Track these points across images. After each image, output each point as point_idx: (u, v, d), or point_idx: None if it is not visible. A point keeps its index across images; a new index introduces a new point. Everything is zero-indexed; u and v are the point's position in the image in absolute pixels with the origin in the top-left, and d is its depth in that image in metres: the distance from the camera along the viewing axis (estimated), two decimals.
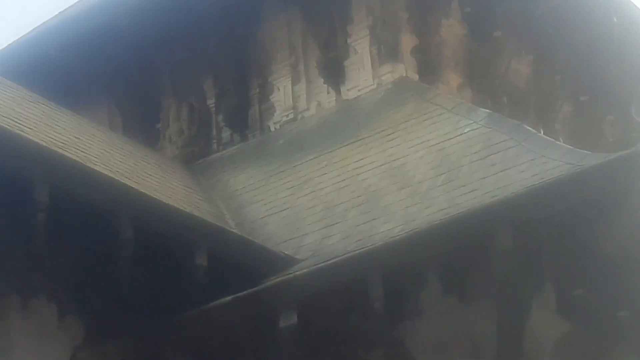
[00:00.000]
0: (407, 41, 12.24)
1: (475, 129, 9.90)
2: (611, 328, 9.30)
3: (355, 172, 10.32)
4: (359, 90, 12.14)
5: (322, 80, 12.42)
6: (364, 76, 12.16)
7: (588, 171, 7.84)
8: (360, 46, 12.27)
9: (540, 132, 9.72)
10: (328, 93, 12.36)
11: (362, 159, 10.52)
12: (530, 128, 9.65)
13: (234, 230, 9.49)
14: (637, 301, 8.71)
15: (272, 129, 12.54)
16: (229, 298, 8.54)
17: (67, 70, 13.09)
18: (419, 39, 12.38)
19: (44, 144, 8.14)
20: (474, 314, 8.99)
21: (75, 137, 9.73)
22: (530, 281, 8.64)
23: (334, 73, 12.38)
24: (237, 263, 8.86)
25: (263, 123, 12.64)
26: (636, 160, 7.46)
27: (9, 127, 8.00)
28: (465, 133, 9.91)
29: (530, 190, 7.95)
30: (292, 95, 12.52)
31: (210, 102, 13.08)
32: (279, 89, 12.61)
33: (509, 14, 12.97)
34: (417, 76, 12.05)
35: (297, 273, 8.70)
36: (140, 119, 13.42)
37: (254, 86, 12.88)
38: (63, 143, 8.80)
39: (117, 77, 13.50)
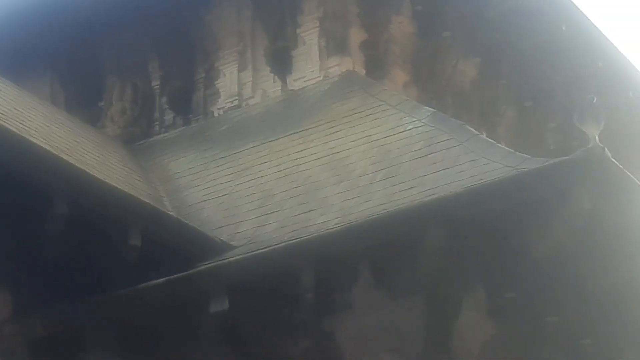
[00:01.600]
0: (356, 35, 12.30)
1: (419, 126, 9.96)
2: (539, 332, 9.40)
3: (295, 162, 10.35)
4: (305, 81, 12.18)
5: (268, 69, 12.46)
6: (311, 67, 12.20)
7: (526, 175, 7.92)
8: (309, 37, 12.31)
9: (483, 135, 9.77)
10: (274, 82, 12.40)
11: (303, 150, 10.56)
12: (472, 129, 9.71)
13: (170, 213, 9.51)
14: (566, 307, 8.81)
15: (216, 114, 12.56)
16: (161, 280, 8.54)
17: (10, 43, 12.99)
18: (368, 34, 12.44)
19: None
20: (403, 310, 9.06)
21: (16, 110, 9.68)
22: (461, 281, 8.72)
23: (281, 62, 12.41)
24: (171, 246, 8.86)
25: (207, 108, 12.66)
26: (574, 167, 7.55)
27: None
28: (408, 130, 9.98)
29: (468, 191, 8.02)
30: (238, 82, 12.55)
31: (155, 83, 13.08)
32: (224, 75, 12.63)
33: (459, 15, 13.05)
34: (364, 71, 12.12)
35: (231, 259, 8.73)
36: (83, 97, 13.38)
37: (200, 71, 12.89)
38: (2, 114, 8.75)
39: (61, 53, 13.42)
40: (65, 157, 8.61)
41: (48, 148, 8.49)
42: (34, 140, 8.41)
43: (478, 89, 13.35)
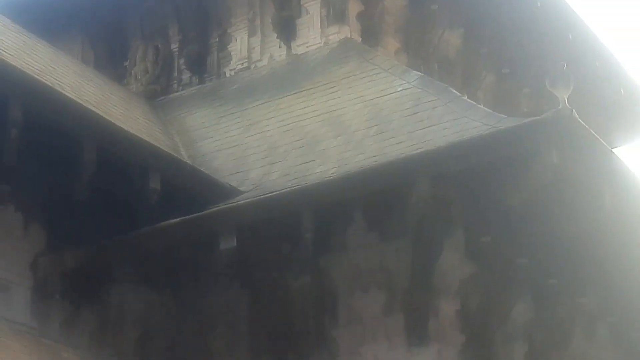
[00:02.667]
0: (354, 7, 12.26)
1: (407, 88, 9.96)
2: (511, 273, 9.43)
3: (297, 118, 10.36)
4: (307, 47, 12.16)
5: (275, 35, 12.43)
6: (313, 35, 12.18)
7: (502, 132, 7.94)
8: (312, 8, 12.27)
9: (465, 97, 9.77)
10: (280, 47, 12.37)
11: (305, 108, 10.56)
12: (455, 92, 9.72)
13: (186, 161, 9.52)
14: (536, 250, 8.84)
15: (228, 75, 12.54)
16: (177, 220, 8.57)
17: (46, 8, 12.94)
18: (365, 5, 12.41)
19: (22, 68, 8.08)
20: (391, 251, 9.09)
21: (51, 67, 9.66)
22: (444, 225, 8.73)
23: (287, 30, 12.37)
24: (187, 190, 8.90)
25: (220, 69, 12.63)
26: (545, 125, 7.56)
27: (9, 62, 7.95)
28: (398, 91, 9.97)
29: (450, 145, 8.04)
30: (248, 46, 12.53)
31: (174, 46, 13.05)
32: (236, 40, 12.61)
33: None
34: (360, 39, 12.09)
35: (240, 203, 8.76)
36: (110, 57, 13.35)
37: (214, 36, 12.86)
38: (39, 70, 8.75)
39: (92, 18, 13.37)
40: (94, 109, 8.60)
41: (80, 101, 8.49)
42: (68, 94, 8.41)
43: (461, 57, 13.32)
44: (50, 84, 8.24)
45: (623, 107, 14.72)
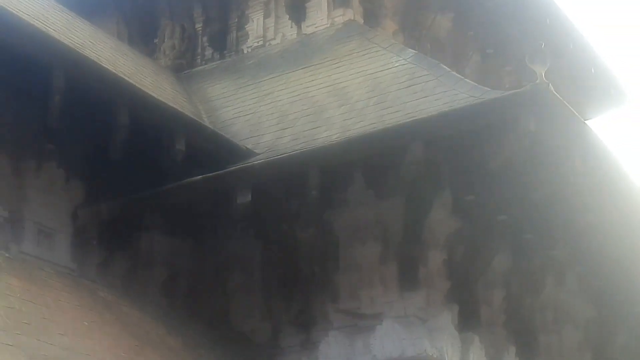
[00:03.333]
0: None
1: (403, 64, 9.93)
2: (492, 228, 9.45)
3: (306, 90, 10.36)
4: (315, 27, 12.12)
5: (287, 17, 12.39)
6: (321, 17, 12.14)
7: (486, 103, 7.93)
8: None
9: (454, 72, 9.74)
10: (291, 27, 12.34)
11: (312, 81, 10.55)
12: (446, 67, 9.71)
13: (208, 126, 9.52)
14: (514, 208, 8.84)
15: (245, 51, 12.50)
16: (199, 177, 8.59)
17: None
18: None
19: (65, 42, 8.10)
20: (386, 207, 9.10)
21: (90, 42, 9.65)
22: (433, 185, 8.73)
23: (297, 12, 12.33)
24: (208, 151, 8.93)
25: (238, 46, 12.60)
26: (524, 97, 7.56)
27: (40, 28, 7.95)
28: (395, 67, 9.95)
29: (440, 114, 8.02)
30: (263, 26, 12.49)
31: (198, 26, 13.02)
32: (252, 21, 12.57)
33: None
34: (362, 20, 12.05)
35: (254, 163, 8.79)
36: (141, 34, 13.32)
37: (233, 17, 12.81)
38: (80, 44, 8.74)
39: (130, 6, 13.36)
40: (128, 79, 8.62)
41: (115, 72, 8.50)
42: (104, 66, 8.43)
43: (451, 38, 13.28)
44: (89, 56, 8.25)
45: (593, 84, 14.71)
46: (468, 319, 9.54)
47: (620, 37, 60.20)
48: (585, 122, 8.14)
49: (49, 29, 8.11)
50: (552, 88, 7.37)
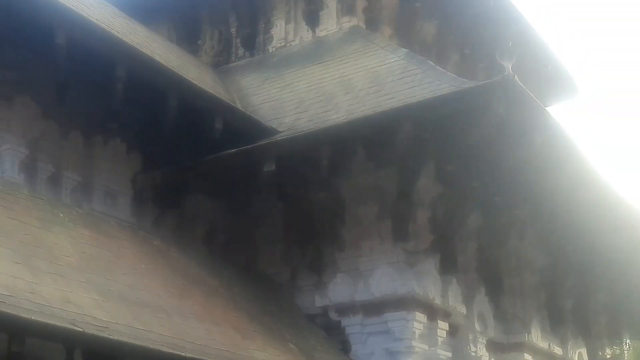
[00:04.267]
0: (360, 3, 12.17)
1: (397, 61, 9.87)
2: (467, 193, 9.43)
3: (319, 81, 10.31)
4: (327, 32, 12.07)
5: (304, 22, 12.34)
6: (331, 23, 12.10)
7: (464, 90, 7.87)
8: (330, 3, 12.20)
9: (438, 67, 9.69)
10: (307, 31, 12.29)
11: (324, 74, 10.50)
12: (432, 63, 9.66)
13: (240, 109, 9.50)
14: (485, 176, 8.81)
15: (270, 51, 12.44)
16: (234, 150, 8.58)
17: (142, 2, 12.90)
18: (368, 2, 12.32)
19: (126, 41, 8.07)
20: (383, 175, 9.08)
21: (146, 42, 9.61)
22: (420, 157, 8.70)
23: (312, 19, 12.30)
24: (241, 129, 8.89)
25: (265, 47, 12.56)
26: (494, 85, 7.48)
27: (107, 30, 7.91)
28: (390, 63, 9.89)
29: (426, 100, 7.99)
30: (285, 31, 12.46)
31: (233, 30, 12.99)
32: (276, 26, 12.53)
33: None
34: (364, 26, 12.01)
35: (277, 139, 8.76)
36: (187, 38, 13.27)
37: (261, 23, 12.76)
38: (138, 44, 8.69)
39: (175, 9, 13.30)
40: (177, 71, 8.59)
41: (167, 65, 8.48)
42: (158, 60, 8.41)
43: (436, 40, 13.21)
44: (146, 53, 8.24)
45: (549, 78, 14.64)
46: (447, 265, 9.55)
47: (581, 31, 59.89)
48: (543, 107, 8.07)
49: (113, 31, 8.08)
50: (517, 79, 7.31)
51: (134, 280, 7.00)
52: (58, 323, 5.03)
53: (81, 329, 5.12)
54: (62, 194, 8.00)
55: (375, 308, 8.86)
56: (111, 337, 5.32)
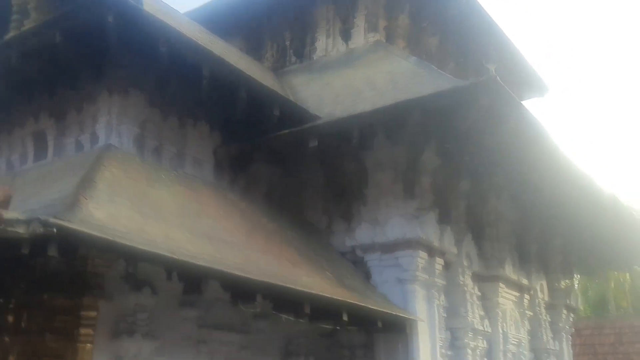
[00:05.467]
0: (382, 23, 12.01)
1: (409, 66, 9.75)
2: (459, 165, 9.40)
3: (350, 81, 10.19)
4: (357, 44, 11.90)
5: (340, 38, 12.19)
6: (360, 38, 11.95)
7: (460, 87, 7.69)
8: (360, 24, 12.05)
9: (440, 71, 9.54)
10: (342, 44, 12.13)
11: (354, 75, 10.39)
12: (435, 67, 9.53)
13: (292, 100, 9.42)
14: (473, 153, 8.68)
15: (314, 59, 12.31)
16: (287, 131, 8.54)
17: (218, 19, 12.61)
18: (388, 22, 12.18)
19: (209, 49, 7.97)
20: (396, 150, 9.01)
21: (223, 51, 9.48)
22: (424, 138, 8.64)
23: (346, 35, 12.16)
24: (292, 115, 8.76)
25: (310, 56, 12.44)
26: (481, 84, 7.31)
27: (195, 40, 7.78)
28: (404, 67, 9.76)
29: (431, 94, 7.84)
30: (326, 44, 12.32)
31: (287, 43, 12.87)
32: (319, 40, 12.38)
33: (432, 17, 12.69)
34: (385, 40, 11.86)
35: (319, 123, 8.68)
36: (254, 48, 13.14)
37: (308, 38, 12.62)
38: (217, 52, 8.49)
39: (245, 26, 13.15)
40: (246, 73, 8.48)
41: (239, 68, 8.34)
42: (233, 64, 8.28)
43: (437, 51, 12.99)
44: (224, 58, 8.19)
45: (523, 79, 14.33)
46: (443, 217, 9.51)
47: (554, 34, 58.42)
48: (519, 100, 7.90)
49: (200, 42, 8.07)
50: (498, 79, 7.17)
51: (214, 223, 7.08)
52: (160, 252, 5.11)
53: (177, 257, 5.20)
54: (162, 161, 8.07)
55: (389, 248, 8.86)
56: (198, 262, 5.40)
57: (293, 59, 12.72)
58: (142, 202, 6.26)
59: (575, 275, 14.88)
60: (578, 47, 58.43)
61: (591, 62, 58.31)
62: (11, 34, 7.83)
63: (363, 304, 7.29)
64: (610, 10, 58.18)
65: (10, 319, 5.11)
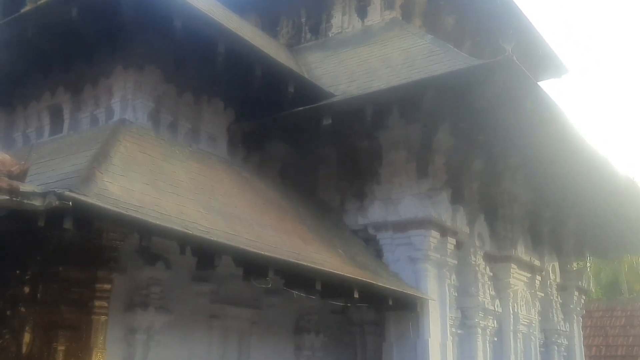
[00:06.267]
0: (399, 2, 11.82)
1: (425, 44, 9.60)
2: (474, 143, 9.34)
3: (366, 59, 10.07)
4: (373, 22, 11.73)
5: (356, 15, 12.01)
6: (376, 15, 11.76)
7: (475, 66, 7.60)
8: (376, 1, 11.87)
9: (456, 49, 9.41)
10: (358, 22, 11.95)
11: (370, 53, 10.25)
12: (451, 46, 9.40)
13: (307, 78, 9.32)
14: (488, 132, 8.63)
15: (330, 36, 12.15)
16: (301, 108, 8.49)
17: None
18: (404, 0, 11.97)
19: (226, 26, 7.84)
20: (411, 129, 8.98)
21: (239, 27, 9.40)
22: (439, 117, 8.54)
23: (362, 12, 11.97)
24: (307, 93, 8.72)
25: (326, 33, 12.27)
26: (498, 63, 7.20)
27: (211, 16, 7.68)
28: (420, 45, 9.63)
29: (446, 73, 7.76)
30: (341, 21, 12.16)
31: (303, 20, 12.69)
32: (335, 17, 12.20)
33: None
34: (401, 18, 11.66)
35: (334, 100, 8.61)
36: (269, 25, 13.02)
37: (324, 15, 12.41)
38: (233, 28, 8.40)
39: (261, 3, 13.04)
40: (262, 49, 8.38)
41: (255, 45, 8.25)
42: (248, 40, 8.18)
43: (454, 30, 12.77)
44: (239, 34, 8.11)
45: (540, 59, 14.09)
46: (456, 197, 9.48)
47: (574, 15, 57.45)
48: (534, 80, 7.80)
49: (215, 17, 8.00)
50: (515, 58, 7.06)
51: (228, 200, 7.09)
52: (174, 227, 5.14)
53: (191, 232, 5.22)
54: (177, 137, 8.08)
55: (402, 226, 8.84)
56: (212, 238, 5.42)
57: (308, 35, 12.59)
58: (157, 177, 6.27)
59: (588, 258, 14.78)
60: (600, 29, 57.42)
61: (612, 45, 57.29)
62: (27, 7, 7.79)
63: (374, 282, 7.31)
64: None
65: (26, 290, 5.17)
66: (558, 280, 12.83)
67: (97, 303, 5.17)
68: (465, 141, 9.13)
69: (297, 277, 6.29)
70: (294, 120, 8.69)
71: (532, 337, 11.18)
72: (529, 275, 11.30)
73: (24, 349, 5.08)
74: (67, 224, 4.43)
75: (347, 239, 8.81)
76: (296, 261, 6.17)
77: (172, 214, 5.46)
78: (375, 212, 9.09)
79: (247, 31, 9.53)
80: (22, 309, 5.15)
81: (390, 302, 7.69)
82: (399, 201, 8.94)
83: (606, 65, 56.86)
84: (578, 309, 13.46)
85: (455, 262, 9.26)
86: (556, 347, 12.26)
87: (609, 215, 11.75)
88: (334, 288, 6.74)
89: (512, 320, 10.46)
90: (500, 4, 12.60)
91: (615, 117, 53.48)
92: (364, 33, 11.49)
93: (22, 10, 7.79)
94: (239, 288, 7.28)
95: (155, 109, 7.86)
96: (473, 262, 9.69)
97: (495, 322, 10.07)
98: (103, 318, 5.18)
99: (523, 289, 11.13)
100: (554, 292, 12.48)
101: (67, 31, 7.26)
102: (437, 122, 8.74)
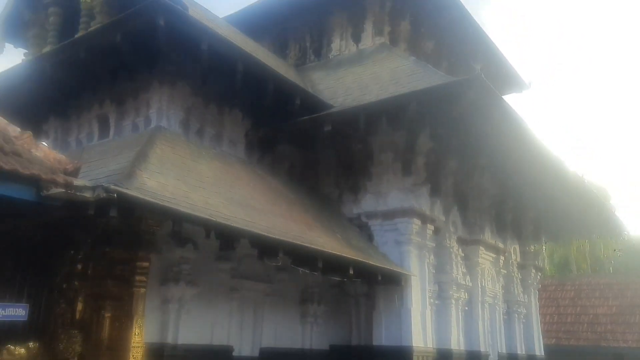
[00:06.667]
0: (386, 28, 11.74)
1: (409, 64, 9.53)
2: (449, 147, 9.24)
3: (359, 76, 10.01)
4: (365, 46, 11.65)
5: (351, 40, 11.96)
6: (368, 41, 11.69)
7: (450, 83, 7.57)
8: (368, 29, 11.76)
9: (434, 69, 9.36)
10: (353, 46, 11.88)
11: (363, 72, 10.18)
12: (430, 66, 9.35)
13: (311, 92, 9.29)
14: (461, 137, 8.55)
15: (330, 58, 12.07)
16: (306, 117, 8.45)
17: (250, 24, 12.36)
18: (391, 28, 11.89)
19: (243, 48, 7.78)
20: (397, 135, 8.93)
21: (254, 50, 9.35)
22: (421, 124, 8.48)
23: (357, 38, 11.90)
24: (310, 104, 8.67)
25: (327, 55, 12.19)
26: (470, 80, 7.18)
27: (231, 40, 7.62)
28: (404, 65, 9.59)
29: (426, 88, 7.72)
30: (340, 45, 12.09)
31: (307, 44, 12.62)
32: (334, 42, 12.09)
33: (431, 25, 12.39)
34: (389, 43, 11.61)
35: (333, 110, 8.57)
36: (280, 48, 12.89)
37: (325, 40, 12.37)
38: (249, 50, 8.37)
39: (272, 30, 12.87)
40: (273, 68, 8.34)
41: (268, 64, 8.21)
42: (262, 61, 8.12)
43: (433, 53, 12.70)
44: (255, 56, 8.07)
45: (504, 77, 13.98)
46: (435, 191, 9.45)
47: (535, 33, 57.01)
48: (500, 95, 7.75)
49: (235, 42, 7.97)
50: (483, 76, 7.04)
51: (245, 193, 7.09)
52: (201, 214, 5.15)
53: (215, 219, 5.23)
54: (204, 141, 8.06)
55: (389, 215, 8.85)
56: (232, 224, 5.43)
57: (312, 57, 12.53)
58: (187, 174, 6.28)
59: (543, 241, 14.74)
60: (560, 48, 57.16)
61: (571, 62, 57.05)
62: (80, 33, 7.81)
63: (366, 261, 7.31)
64: (591, 13, 56.67)
65: (79, 267, 5.19)
66: (518, 259, 12.81)
67: (137, 278, 5.18)
68: (442, 144, 9.11)
69: (302, 257, 6.30)
70: (300, 127, 8.67)
71: (497, 307, 11.19)
72: (494, 255, 11.29)
73: (77, 316, 5.12)
74: (113, 213, 4.48)
75: (344, 226, 8.81)
76: (302, 243, 6.18)
77: (199, 204, 5.46)
78: (367, 204, 9.08)
79: (261, 53, 9.50)
80: (76, 283, 5.17)
81: (380, 278, 7.70)
82: (387, 194, 8.93)
83: (560, 82, 56.68)
84: (535, 283, 13.44)
85: (433, 244, 9.26)
86: (517, 315, 12.26)
87: (561, 206, 11.73)
88: (333, 266, 6.74)
89: (480, 292, 10.46)
90: (471, 31, 12.54)
91: (567, 124, 53.33)
92: (358, 55, 11.45)
93: (76, 36, 7.81)
94: (254, 266, 7.30)
95: (185, 117, 7.86)
96: (448, 245, 9.68)
97: (466, 294, 10.06)
98: (142, 290, 5.19)
99: (489, 267, 11.12)
100: (515, 269, 12.47)
101: (112, 53, 7.26)
102: (419, 128, 8.72)
